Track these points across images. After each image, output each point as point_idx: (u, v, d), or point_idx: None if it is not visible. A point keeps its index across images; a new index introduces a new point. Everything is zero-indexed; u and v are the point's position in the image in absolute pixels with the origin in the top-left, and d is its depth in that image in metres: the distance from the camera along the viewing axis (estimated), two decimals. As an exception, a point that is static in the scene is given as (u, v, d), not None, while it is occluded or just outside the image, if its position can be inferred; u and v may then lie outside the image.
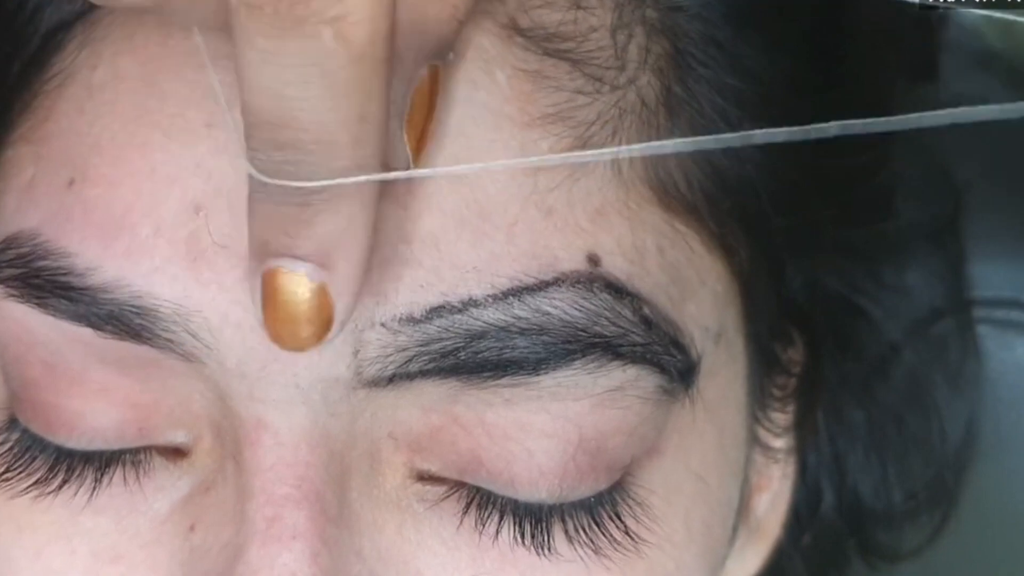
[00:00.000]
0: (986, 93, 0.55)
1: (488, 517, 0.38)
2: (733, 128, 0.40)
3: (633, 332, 0.37)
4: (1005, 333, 0.58)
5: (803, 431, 0.50)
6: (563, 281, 0.36)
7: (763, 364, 0.46)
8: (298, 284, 0.32)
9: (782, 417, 0.48)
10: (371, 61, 0.29)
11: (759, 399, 0.46)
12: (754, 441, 0.47)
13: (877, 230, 0.51)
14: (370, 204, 0.32)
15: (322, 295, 0.32)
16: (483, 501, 0.38)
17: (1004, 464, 0.58)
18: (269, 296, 0.33)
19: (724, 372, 0.42)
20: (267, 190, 0.31)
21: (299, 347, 0.33)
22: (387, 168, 0.32)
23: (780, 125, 0.41)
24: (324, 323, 0.33)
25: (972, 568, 0.60)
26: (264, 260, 0.32)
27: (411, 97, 0.32)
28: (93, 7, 0.38)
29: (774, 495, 0.50)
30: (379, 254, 0.35)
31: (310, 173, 0.30)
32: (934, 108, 0.50)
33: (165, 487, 0.38)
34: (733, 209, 0.40)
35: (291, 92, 0.29)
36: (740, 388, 0.44)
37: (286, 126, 0.30)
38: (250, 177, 0.31)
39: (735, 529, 0.46)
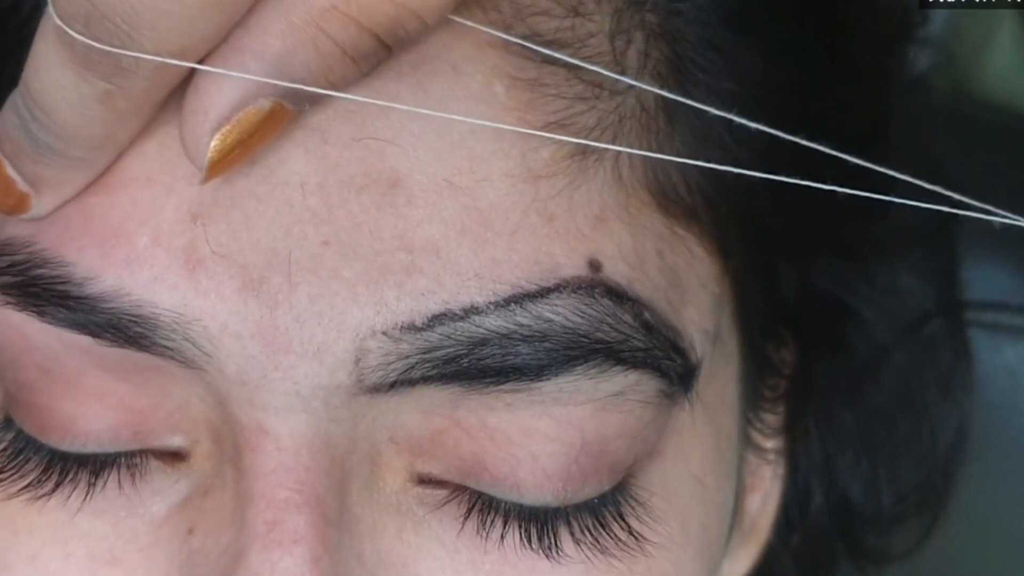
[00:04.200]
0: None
1: (491, 522, 0.38)
2: (731, 132, 0.40)
3: (634, 337, 0.37)
4: (994, 336, 0.59)
5: (794, 432, 0.50)
6: (565, 287, 0.36)
7: (756, 365, 0.46)
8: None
9: (773, 418, 0.48)
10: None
11: (752, 400, 0.46)
12: (747, 442, 0.47)
13: (870, 232, 0.51)
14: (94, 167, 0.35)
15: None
16: (485, 506, 0.38)
17: (993, 467, 0.58)
18: None
19: (721, 373, 0.42)
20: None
21: None
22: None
23: (776, 128, 0.41)
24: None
25: (961, 571, 0.60)
26: None
27: (242, 116, 0.33)
28: None
29: (764, 495, 0.50)
30: (379, 262, 0.35)
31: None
32: (929, 109, 0.50)
33: (162, 490, 0.38)
34: (731, 212, 0.40)
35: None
36: (734, 389, 0.44)
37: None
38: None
39: (730, 530, 0.46)
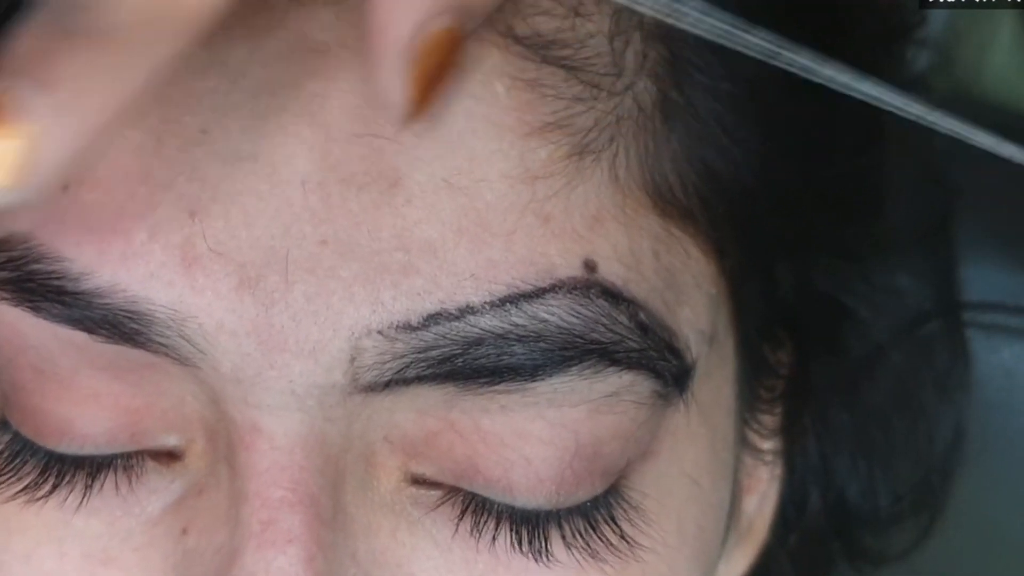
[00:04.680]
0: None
1: (484, 523, 0.38)
2: (728, 133, 0.40)
3: (629, 338, 0.37)
4: (991, 337, 0.59)
5: (791, 433, 0.50)
6: (560, 288, 0.36)
7: (752, 366, 0.46)
8: (21, 109, 0.27)
9: (770, 419, 0.48)
10: None
11: (748, 401, 0.46)
12: (743, 443, 0.47)
13: (868, 232, 0.51)
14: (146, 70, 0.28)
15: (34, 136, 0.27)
16: (478, 507, 0.38)
17: (990, 468, 0.58)
18: None
19: (716, 374, 0.42)
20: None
21: None
22: None
23: (776, 128, 0.41)
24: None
25: (958, 571, 0.60)
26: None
27: (422, 41, 0.29)
28: None
29: (762, 496, 0.50)
30: (376, 261, 0.35)
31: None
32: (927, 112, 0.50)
33: (158, 490, 0.38)
34: (727, 213, 0.40)
35: None
36: (730, 390, 0.44)
37: None
38: None
39: (726, 531, 0.46)
